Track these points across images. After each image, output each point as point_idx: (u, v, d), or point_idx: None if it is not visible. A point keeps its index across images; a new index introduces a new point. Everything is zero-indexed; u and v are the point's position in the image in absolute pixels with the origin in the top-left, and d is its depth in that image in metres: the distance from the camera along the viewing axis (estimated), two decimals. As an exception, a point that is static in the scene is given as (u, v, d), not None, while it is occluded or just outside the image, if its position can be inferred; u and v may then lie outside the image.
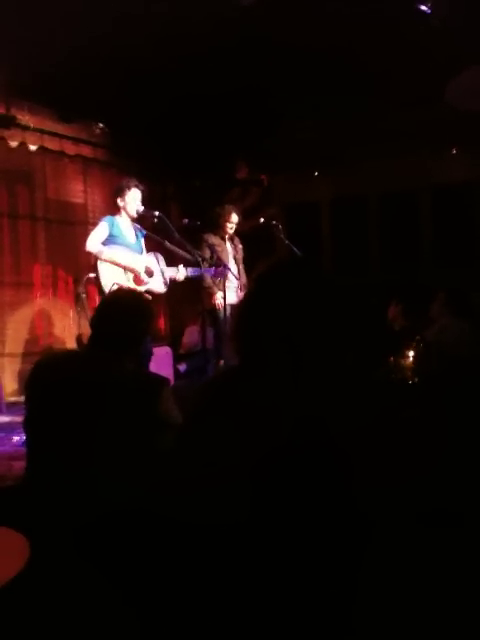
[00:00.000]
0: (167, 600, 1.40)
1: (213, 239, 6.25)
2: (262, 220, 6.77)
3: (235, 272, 6.29)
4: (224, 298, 6.00)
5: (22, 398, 3.00)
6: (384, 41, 5.50)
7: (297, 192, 8.78)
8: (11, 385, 6.33)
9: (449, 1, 4.97)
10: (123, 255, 5.19)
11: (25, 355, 6.52)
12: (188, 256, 5.62)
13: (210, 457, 1.41)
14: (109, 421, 2.35)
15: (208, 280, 6.11)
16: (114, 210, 5.38)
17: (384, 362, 4.32)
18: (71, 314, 6.71)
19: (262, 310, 1.51)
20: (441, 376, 3.70)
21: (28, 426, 2.60)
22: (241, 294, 6.17)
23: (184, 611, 1.36)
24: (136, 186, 5.35)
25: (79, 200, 7.38)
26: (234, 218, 6.38)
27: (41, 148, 6.78)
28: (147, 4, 4.93)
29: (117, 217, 5.30)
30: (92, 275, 5.20)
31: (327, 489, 1.33)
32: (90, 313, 5.44)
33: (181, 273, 5.56)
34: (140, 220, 5.46)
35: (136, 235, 5.39)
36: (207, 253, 6.09)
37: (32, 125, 6.56)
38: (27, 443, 2.61)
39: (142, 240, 5.46)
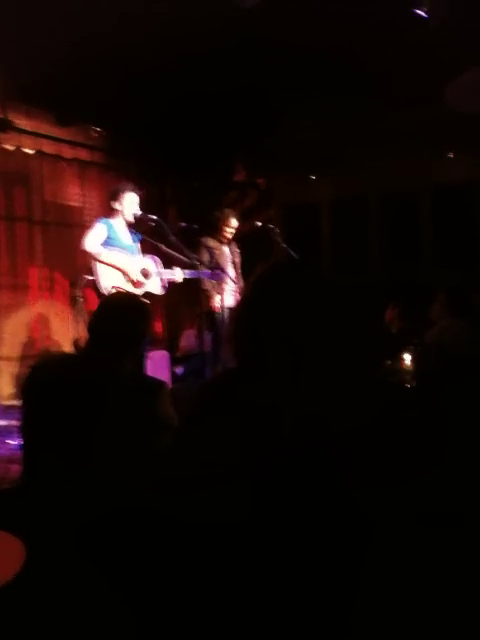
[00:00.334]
0: (166, 600, 1.39)
1: (211, 242, 6.25)
2: (259, 223, 6.77)
3: (232, 276, 6.30)
4: (222, 301, 5.99)
5: (18, 402, 2.98)
6: (384, 41, 5.50)
7: (297, 193, 8.78)
8: (7, 388, 6.31)
9: (448, 2, 4.98)
10: (121, 257, 5.19)
11: (22, 358, 6.51)
12: (185, 259, 5.62)
13: (210, 457, 1.40)
14: (107, 422, 2.34)
15: (206, 283, 6.10)
16: (109, 212, 5.37)
17: (381, 365, 4.31)
18: (68, 317, 6.69)
19: (261, 311, 1.51)
20: (441, 376, 3.69)
21: (25, 429, 2.58)
22: (238, 298, 6.16)
23: (183, 611, 1.35)
24: (132, 190, 5.35)
25: (76, 203, 7.37)
26: (233, 223, 6.39)
27: (38, 151, 6.77)
28: (145, 4, 4.93)
29: (112, 219, 5.30)
30: (89, 277, 5.19)
31: (327, 489, 1.32)
32: (87, 316, 5.43)
33: (178, 275, 5.56)
34: (137, 224, 5.46)
35: (132, 238, 5.40)
36: (205, 256, 6.09)
37: (29, 129, 6.56)
38: (24, 446, 2.59)
39: (138, 243, 5.46)
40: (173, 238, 5.53)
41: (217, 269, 6.00)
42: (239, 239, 6.70)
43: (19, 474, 2.63)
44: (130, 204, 5.33)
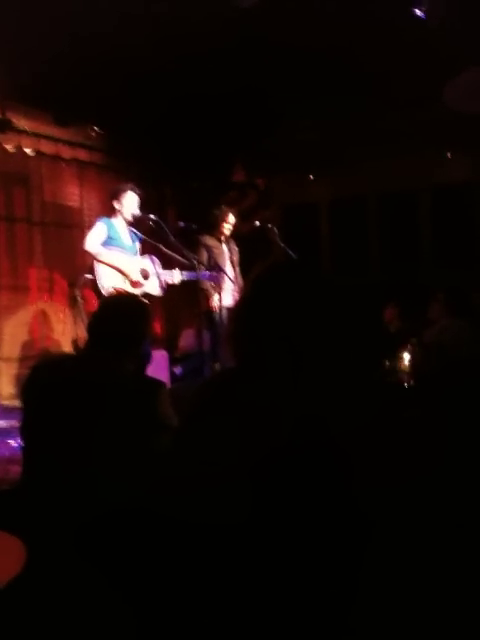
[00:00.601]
0: (166, 600, 1.39)
1: (210, 241, 6.26)
2: (258, 223, 6.78)
3: (231, 275, 6.30)
4: (220, 300, 6.00)
5: (18, 402, 2.99)
6: (383, 41, 5.51)
7: (296, 193, 8.78)
8: (7, 389, 6.31)
9: (446, 2, 4.98)
10: (120, 257, 5.20)
11: (21, 359, 6.50)
12: (184, 260, 5.63)
13: (209, 456, 1.40)
14: (106, 422, 2.34)
15: (205, 282, 6.10)
16: (110, 212, 5.38)
17: (379, 365, 4.32)
18: (68, 317, 6.69)
19: (260, 310, 1.51)
20: (440, 376, 3.70)
21: (25, 430, 2.58)
22: (236, 297, 6.16)
23: (183, 611, 1.35)
24: (132, 190, 5.37)
25: (75, 204, 7.37)
26: (231, 219, 6.40)
27: (37, 152, 6.77)
28: (145, 5, 4.93)
29: (113, 219, 5.32)
30: (89, 276, 5.19)
31: (327, 489, 1.32)
32: (86, 317, 5.43)
33: (176, 277, 5.57)
34: (136, 223, 5.47)
35: (131, 238, 5.40)
36: (204, 255, 6.10)
37: (28, 129, 6.56)
38: (23, 447, 2.59)
39: (137, 243, 5.47)
40: (172, 238, 5.54)
41: (216, 269, 6.00)
42: (238, 239, 6.70)
43: (19, 475, 2.63)
44: (130, 204, 5.34)
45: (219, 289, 6.03)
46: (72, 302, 6.10)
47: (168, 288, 5.65)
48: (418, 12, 5.09)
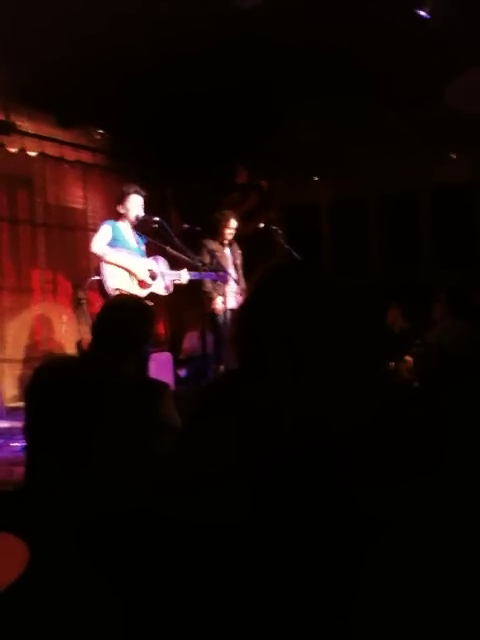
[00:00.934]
0: (167, 600, 1.39)
1: (213, 245, 6.26)
2: (262, 225, 6.79)
3: (234, 277, 6.31)
4: (224, 303, 6.00)
5: (22, 404, 2.99)
6: (384, 41, 5.51)
7: (297, 194, 8.78)
8: (11, 391, 6.32)
9: (449, 3, 4.99)
10: (127, 258, 5.22)
11: (25, 361, 6.52)
12: (190, 261, 5.65)
13: (210, 457, 1.40)
14: (110, 424, 2.34)
15: (208, 285, 6.12)
16: (116, 215, 5.42)
17: (381, 365, 4.32)
18: (71, 319, 6.70)
19: (263, 310, 1.51)
20: (443, 376, 3.69)
21: (28, 431, 2.59)
22: (240, 299, 6.17)
23: (184, 611, 1.36)
24: (136, 192, 5.39)
25: (79, 205, 7.39)
26: (233, 224, 6.40)
27: (41, 154, 6.79)
28: (145, 5, 4.94)
29: (119, 222, 5.35)
30: (96, 278, 5.22)
31: (327, 489, 1.32)
32: (90, 318, 5.45)
33: (184, 277, 5.58)
34: (140, 225, 5.48)
35: (137, 240, 5.43)
36: (207, 258, 6.10)
37: (32, 131, 6.58)
38: (27, 448, 2.60)
39: (143, 245, 5.49)
40: (176, 240, 5.56)
41: (220, 271, 6.01)
42: (242, 240, 6.71)
43: (23, 476, 2.64)
44: (134, 206, 5.36)
45: (222, 291, 6.04)
46: (76, 304, 6.11)
47: (174, 288, 5.66)
48: (420, 12, 5.10)
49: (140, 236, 5.47)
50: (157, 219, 5.47)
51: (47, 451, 2.44)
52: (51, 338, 6.89)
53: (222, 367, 6.00)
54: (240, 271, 6.50)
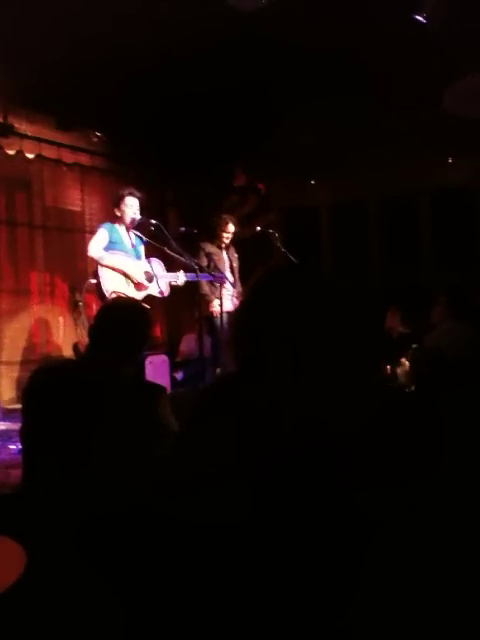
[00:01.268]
0: (167, 601, 1.39)
1: (210, 248, 6.27)
2: (259, 228, 6.80)
3: (231, 281, 6.32)
4: (221, 305, 6.00)
5: (19, 406, 2.99)
6: (383, 44, 5.52)
7: (296, 197, 8.79)
8: (8, 393, 6.31)
9: (447, 5, 5.00)
10: (124, 261, 5.23)
11: (22, 363, 6.51)
12: (187, 262, 5.66)
13: (211, 457, 1.40)
14: (107, 426, 2.34)
15: (205, 288, 6.13)
16: (114, 218, 5.43)
17: (380, 370, 4.31)
18: (69, 322, 6.70)
19: (262, 311, 1.51)
20: (440, 380, 3.70)
21: (26, 433, 2.59)
22: (237, 302, 6.17)
23: (184, 612, 1.35)
24: (131, 194, 5.40)
25: (77, 208, 7.39)
26: (231, 228, 6.41)
27: (39, 156, 6.79)
28: (145, 7, 4.95)
29: (116, 224, 5.36)
30: (93, 281, 5.22)
31: (327, 491, 1.32)
32: (87, 321, 5.45)
33: (181, 278, 5.60)
34: (138, 228, 5.49)
35: (135, 242, 5.43)
36: (204, 261, 6.11)
37: (30, 133, 6.58)
38: (24, 451, 2.60)
39: (141, 247, 5.50)
40: (173, 242, 5.57)
41: (217, 274, 6.02)
42: (239, 244, 6.71)
43: (20, 479, 2.63)
44: (130, 208, 5.37)
45: (219, 294, 6.04)
46: (73, 306, 6.11)
47: (172, 290, 5.67)
48: (419, 17, 5.11)
49: (139, 237, 5.48)
50: (154, 222, 5.48)
51: (45, 453, 2.44)
52: (48, 340, 6.88)
53: (219, 370, 6.00)
54: (237, 274, 6.51)
